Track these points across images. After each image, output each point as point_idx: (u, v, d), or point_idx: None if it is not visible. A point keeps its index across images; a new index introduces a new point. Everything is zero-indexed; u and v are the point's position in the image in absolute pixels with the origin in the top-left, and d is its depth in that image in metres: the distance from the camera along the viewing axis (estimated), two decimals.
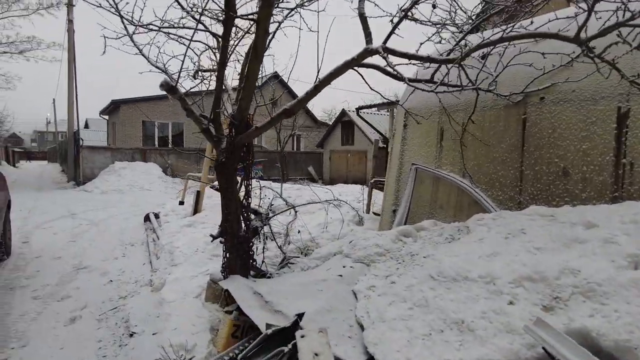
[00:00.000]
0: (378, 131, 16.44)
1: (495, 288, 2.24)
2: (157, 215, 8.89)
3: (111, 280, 5.19)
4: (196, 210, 7.68)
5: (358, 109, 16.42)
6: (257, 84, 3.91)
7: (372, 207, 5.84)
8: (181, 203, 8.78)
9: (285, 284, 3.00)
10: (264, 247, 3.75)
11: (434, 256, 2.80)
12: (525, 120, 3.24)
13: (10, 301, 4.61)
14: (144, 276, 5.23)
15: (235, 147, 3.42)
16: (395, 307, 2.48)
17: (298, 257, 3.91)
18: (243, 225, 3.60)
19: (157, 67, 3.80)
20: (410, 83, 2.75)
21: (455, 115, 3.60)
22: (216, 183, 9.15)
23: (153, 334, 3.50)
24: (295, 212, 4.10)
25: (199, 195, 7.67)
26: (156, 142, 23.95)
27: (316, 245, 4.15)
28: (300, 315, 2.57)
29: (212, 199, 8.46)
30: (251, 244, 3.57)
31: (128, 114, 23.28)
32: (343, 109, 20.64)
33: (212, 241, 3.85)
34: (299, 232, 4.14)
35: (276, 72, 23.60)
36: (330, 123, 22.14)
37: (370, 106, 16.54)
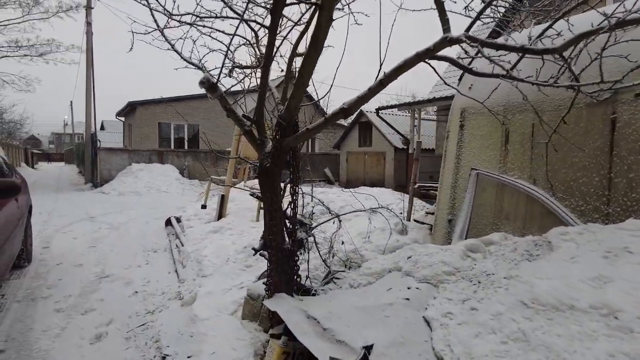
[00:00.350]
0: (398, 132, 15.99)
1: (618, 323, 1.83)
2: (178, 220, 8.58)
3: (136, 292, 4.85)
4: (220, 215, 7.34)
5: (378, 110, 15.98)
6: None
7: (412, 214, 5.43)
8: (203, 207, 8.45)
9: (343, 307, 2.61)
10: (308, 261, 3.37)
11: (519, 277, 2.39)
12: (614, 121, 2.82)
13: (32, 314, 4.30)
14: (171, 287, 4.88)
15: (282, 150, 3.06)
16: (484, 341, 2.08)
17: (344, 271, 3.53)
18: (287, 236, 3.24)
19: (192, 64, 3.45)
20: (505, 78, 2.32)
21: (524, 116, 3.19)
22: (241, 186, 8.83)
23: (188, 358, 3.14)
24: (340, 221, 3.71)
25: (223, 200, 7.34)
26: (172, 144, 23.80)
27: (361, 258, 3.76)
28: (368, 348, 2.19)
29: (236, 203, 8.13)
30: (297, 257, 3.20)
31: (144, 115, 23.15)
32: (361, 110, 20.18)
33: (254, 255, 3.48)
34: (342, 243, 3.75)
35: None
36: (347, 124, 21.69)
37: (390, 107, 16.13)
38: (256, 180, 3.58)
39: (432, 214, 4.92)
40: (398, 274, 3.02)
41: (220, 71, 3.07)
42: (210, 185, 9.04)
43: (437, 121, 17.14)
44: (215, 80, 2.92)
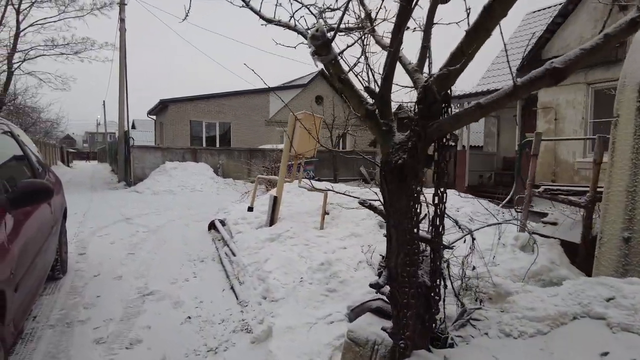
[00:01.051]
0: None
1: None
2: (223, 223, 7.72)
3: (189, 317, 3.94)
4: (273, 219, 6.42)
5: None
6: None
7: (527, 223, 4.38)
8: (250, 209, 7.56)
9: None
10: (444, 298, 2.37)
11: None
12: None
13: (68, 346, 3.44)
14: (232, 312, 3.96)
15: (425, 139, 2.07)
16: None
17: (482, 308, 2.52)
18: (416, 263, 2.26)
19: (280, 24, 2.51)
20: None
21: None
22: (295, 184, 7.92)
23: None
24: (473, 239, 2.72)
25: (276, 202, 6.41)
26: (204, 142, 23.23)
27: (495, 288, 2.74)
28: None
29: (287, 206, 7.20)
30: (438, 296, 2.21)
31: (176, 113, 22.64)
32: (400, 104, 19.04)
33: (376, 292, 2.51)
34: (473, 268, 2.75)
35: (322, 69, 22.44)
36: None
37: None
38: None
39: (553, 223, 3.85)
40: (597, 324, 2.00)
41: (337, 28, 2.09)
42: (257, 185, 8.12)
43: (486, 115, 15.89)
44: (331, 37, 1.95)
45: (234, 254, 5.62)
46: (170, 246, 6.90)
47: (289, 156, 6.65)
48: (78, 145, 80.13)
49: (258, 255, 4.95)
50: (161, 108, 24.28)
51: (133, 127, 54.68)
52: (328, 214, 5.34)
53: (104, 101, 50.26)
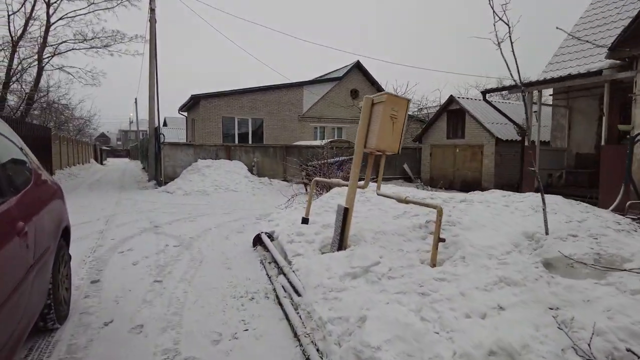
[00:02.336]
0: (513, 121, 12.74)
1: None
2: (271, 237, 6.05)
3: None
4: (343, 240, 4.66)
5: (485, 93, 12.82)
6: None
7: None
8: (305, 221, 5.85)
9: None
10: None
11: None
12: None
13: None
14: None
15: None
16: None
17: None
18: None
19: None
20: None
21: None
22: (372, 190, 6.13)
23: None
24: None
25: (347, 217, 4.65)
26: (236, 139, 21.80)
27: None
28: None
29: (357, 219, 5.43)
30: None
31: (208, 109, 21.27)
32: (451, 96, 17.01)
33: None
34: None
35: (358, 61, 19.99)
36: (419, 116, 18.59)
37: (499, 89, 12.91)
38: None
39: None
40: None
41: None
42: (313, 191, 6.37)
43: (554, 105, 13.69)
44: None
45: (297, 292, 3.89)
46: (208, 270, 5.24)
47: (362, 153, 4.87)
48: (112, 143, 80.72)
49: (341, 303, 3.20)
50: (193, 104, 22.98)
51: (165, 124, 54.18)
52: (444, 240, 3.54)
53: (135, 98, 49.66)
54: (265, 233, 6.09)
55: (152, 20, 17.43)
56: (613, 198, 9.67)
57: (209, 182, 15.13)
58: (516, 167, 15.71)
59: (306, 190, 15.00)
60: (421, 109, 25.47)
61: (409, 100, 4.79)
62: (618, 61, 10.46)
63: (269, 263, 5.10)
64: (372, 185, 6.45)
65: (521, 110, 16.31)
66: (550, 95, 14.16)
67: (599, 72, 10.45)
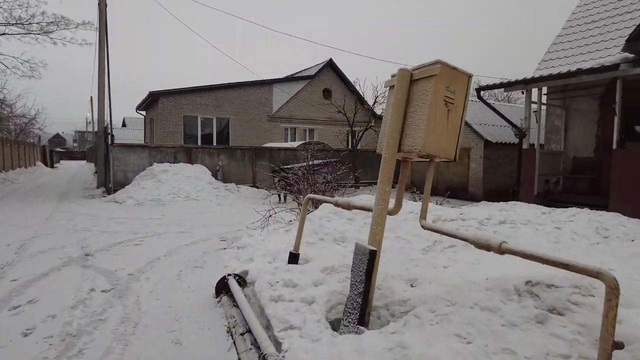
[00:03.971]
0: (510, 121, 11.25)
1: None
2: (242, 280, 4.06)
3: None
4: (366, 307, 2.74)
5: (480, 90, 11.29)
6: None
7: None
8: (293, 258, 3.91)
9: None
10: None
11: None
12: None
13: None
14: None
15: None
16: None
17: None
18: None
19: None
20: None
21: None
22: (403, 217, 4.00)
23: None
24: None
25: (373, 266, 2.73)
26: (199, 140, 19.56)
27: None
28: None
29: (387, 257, 3.51)
30: None
31: (168, 107, 18.91)
32: None
33: None
34: None
35: (331, 59, 18.10)
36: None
37: (495, 86, 11.40)
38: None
39: None
40: None
41: None
42: (305, 211, 4.40)
43: (549, 105, 12.33)
44: None
45: None
46: (143, 347, 3.20)
47: (395, 160, 2.97)
48: (68, 144, 75.40)
49: None
50: (151, 102, 20.48)
51: (124, 125, 50.55)
52: (621, 347, 1.74)
53: (91, 97, 45.87)
54: (235, 276, 4.08)
55: (102, 4, 14.95)
56: (627, 205, 8.34)
57: (165, 190, 12.85)
58: (507, 172, 14.34)
59: (279, 199, 12.98)
60: None
61: (470, 76, 2.95)
62: (632, 55, 9.16)
63: (241, 335, 3.11)
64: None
65: (513, 112, 15.00)
66: (544, 94, 12.84)
67: (614, 67, 9.07)
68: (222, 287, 4.04)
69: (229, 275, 4.05)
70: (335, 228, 4.55)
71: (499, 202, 13.62)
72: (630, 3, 10.69)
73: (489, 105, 11.38)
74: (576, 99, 11.96)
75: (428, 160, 2.98)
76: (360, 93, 19.28)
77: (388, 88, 3.20)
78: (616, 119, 9.43)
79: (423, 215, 2.88)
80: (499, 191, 13.99)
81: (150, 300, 4.14)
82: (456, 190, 14.51)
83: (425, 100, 2.78)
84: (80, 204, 11.87)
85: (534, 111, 11.20)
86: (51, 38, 16.40)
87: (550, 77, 10.37)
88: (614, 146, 9.49)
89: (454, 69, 2.85)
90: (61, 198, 13.29)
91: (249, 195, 13.90)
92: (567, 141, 12.23)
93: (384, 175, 2.90)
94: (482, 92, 11.33)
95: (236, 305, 3.63)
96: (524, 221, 4.78)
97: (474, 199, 13.60)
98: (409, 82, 2.93)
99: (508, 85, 11.27)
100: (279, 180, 12.60)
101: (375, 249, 2.75)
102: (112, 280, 4.84)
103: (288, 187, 12.92)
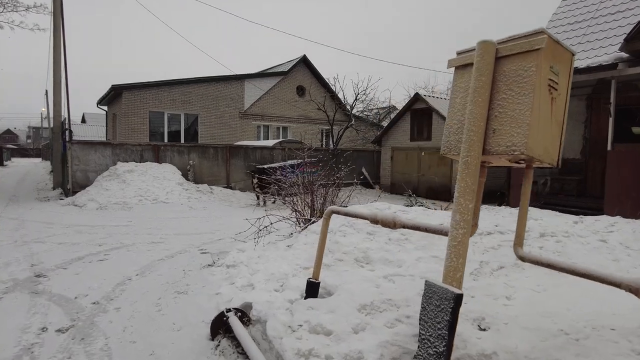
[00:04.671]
0: None
1: None
2: (245, 316, 3.15)
3: None
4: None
5: None
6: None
7: None
8: (313, 288, 3.05)
9: None
10: None
11: None
12: None
13: None
14: None
15: None
16: None
17: None
18: None
19: None
20: None
21: None
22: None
23: None
24: None
25: (456, 316, 1.93)
26: (165, 137, 18.22)
27: None
28: None
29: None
30: None
31: (132, 102, 17.48)
32: (416, 94, 14.92)
33: None
34: None
35: (305, 55, 17.15)
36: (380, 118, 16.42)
37: None
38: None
39: None
40: None
41: None
42: (326, 226, 3.52)
43: None
44: None
45: None
46: None
47: (479, 165, 2.17)
48: (21, 140, 70.59)
49: None
50: (114, 96, 18.90)
51: (83, 121, 47.53)
52: None
53: (46, 90, 42.78)
54: (235, 310, 3.16)
55: None
56: (621, 207, 8.04)
57: (131, 191, 11.59)
58: (493, 174, 13.98)
59: (258, 202, 11.99)
60: (371, 109, 23.21)
61: (574, 55, 2.18)
62: (626, 55, 8.88)
63: None
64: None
65: None
66: None
67: (611, 66, 8.74)
68: (219, 326, 3.11)
69: (229, 311, 3.13)
70: (355, 245, 3.71)
71: (486, 204, 13.30)
72: (621, 2, 10.44)
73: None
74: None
75: (517, 165, 2.20)
76: (335, 90, 18.31)
77: (453, 69, 2.40)
78: (611, 120, 9.11)
79: (519, 242, 2.09)
80: (484, 193, 13.59)
81: (125, 345, 3.15)
82: (437, 191, 14.03)
83: (524, 84, 1.99)
84: (32, 208, 10.45)
85: None
86: None
87: None
88: (609, 147, 9.17)
89: (557, 42, 2.07)
90: (9, 201, 11.75)
91: (223, 198, 12.82)
92: None
93: (466, 187, 2.09)
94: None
95: (243, 354, 2.72)
96: (564, 233, 4.13)
97: None
98: (493, 58, 2.13)
99: None
100: (258, 182, 11.63)
101: (461, 292, 1.94)
102: (72, 312, 3.79)
103: (265, 189, 12.00)
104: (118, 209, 10.42)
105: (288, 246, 4.36)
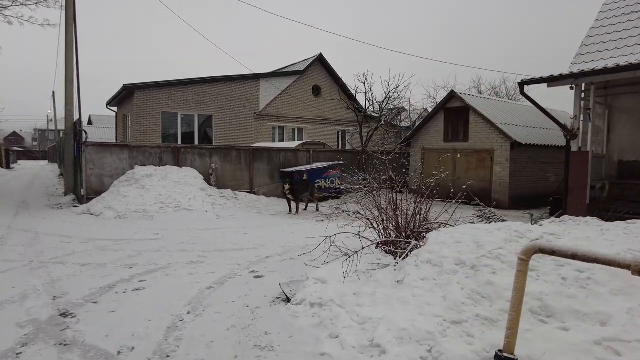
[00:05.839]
0: (557, 122, 9.66)
1: None
2: None
3: None
4: None
5: (523, 84, 9.64)
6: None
7: None
8: None
9: None
10: None
11: None
12: None
13: None
14: None
15: None
16: None
17: None
18: None
19: None
20: None
21: None
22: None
23: None
24: None
25: None
26: (179, 139, 17.17)
27: None
28: None
29: None
30: None
31: (144, 102, 16.43)
32: (452, 91, 13.80)
33: None
34: None
35: (321, 54, 15.95)
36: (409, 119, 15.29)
37: (542, 80, 9.79)
38: None
39: None
40: None
41: None
42: (525, 273, 2.39)
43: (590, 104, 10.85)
44: None
45: None
46: None
47: None
48: (27, 143, 69.55)
49: None
50: (125, 96, 17.81)
51: (90, 123, 46.46)
52: None
53: (53, 91, 41.75)
54: None
55: None
56: None
57: (151, 198, 10.49)
58: (531, 177, 12.86)
59: (290, 208, 10.88)
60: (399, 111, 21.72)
61: None
62: None
63: None
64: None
65: (523, 112, 13.56)
66: (582, 91, 11.39)
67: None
68: None
69: None
70: (529, 291, 2.61)
71: (528, 209, 12.21)
72: None
73: (535, 103, 9.74)
74: (620, 96, 10.55)
75: None
76: (365, 88, 16.88)
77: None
78: None
79: None
80: (527, 197, 12.49)
81: None
82: (477, 197, 12.88)
83: None
84: (45, 217, 9.34)
85: (588, 109, 9.66)
86: (5, 16, 13.49)
87: (609, 70, 8.81)
88: None
89: None
90: (19, 208, 10.65)
91: (249, 204, 11.73)
92: (611, 143, 10.82)
93: None
94: (525, 87, 9.67)
95: None
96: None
97: (499, 206, 12.03)
98: None
99: (554, 80, 9.65)
100: (289, 187, 10.51)
101: None
102: None
103: (298, 195, 10.87)
104: (139, 218, 9.32)
105: (398, 282, 3.25)
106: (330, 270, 3.97)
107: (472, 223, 5.62)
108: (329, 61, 21.41)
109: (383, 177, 5.29)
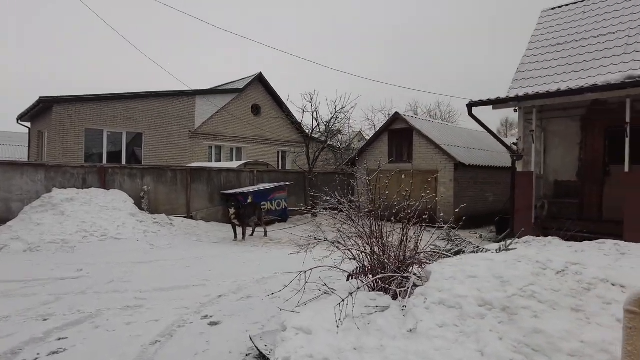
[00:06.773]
0: (503, 143, 9.78)
1: None
2: None
3: None
4: None
5: (471, 106, 9.74)
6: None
7: None
8: None
9: None
10: None
11: None
12: None
13: None
14: None
15: None
16: None
17: None
18: None
19: None
20: None
21: None
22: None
23: None
24: None
25: None
26: (104, 158, 15.44)
27: None
28: None
29: None
30: None
31: (64, 118, 14.63)
32: (396, 113, 13.77)
33: None
34: None
35: (261, 73, 15.47)
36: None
37: (490, 102, 9.92)
38: None
39: None
40: None
41: None
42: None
43: (525, 127, 11.29)
44: None
45: None
46: None
47: None
48: None
49: None
50: (41, 110, 15.70)
51: None
52: None
53: None
54: None
55: None
56: None
57: (72, 226, 8.95)
58: (473, 197, 13.09)
59: (236, 234, 9.86)
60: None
61: None
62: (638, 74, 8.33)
63: None
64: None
65: (453, 133, 13.89)
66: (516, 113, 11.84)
67: (622, 85, 8.11)
68: None
69: None
70: (582, 339, 2.07)
71: (473, 229, 12.42)
72: (620, 22, 10.10)
73: (483, 125, 9.86)
74: (554, 120, 11.07)
75: None
76: (312, 107, 16.46)
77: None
78: (627, 140, 8.44)
79: None
80: (470, 217, 12.63)
81: None
82: (422, 218, 12.84)
83: None
84: None
85: (531, 131, 9.94)
86: None
87: (550, 95, 9.19)
88: (626, 169, 8.47)
89: None
90: None
91: (187, 231, 10.52)
92: (546, 164, 11.29)
93: None
94: (473, 109, 9.76)
95: None
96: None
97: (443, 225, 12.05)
98: None
99: (500, 102, 9.88)
100: (235, 212, 9.55)
101: None
102: None
103: (245, 220, 9.91)
104: (56, 250, 7.82)
105: (410, 330, 2.60)
106: (312, 316, 3.21)
107: (439, 247, 5.21)
108: (269, 81, 20.83)
109: (362, 199, 4.68)
